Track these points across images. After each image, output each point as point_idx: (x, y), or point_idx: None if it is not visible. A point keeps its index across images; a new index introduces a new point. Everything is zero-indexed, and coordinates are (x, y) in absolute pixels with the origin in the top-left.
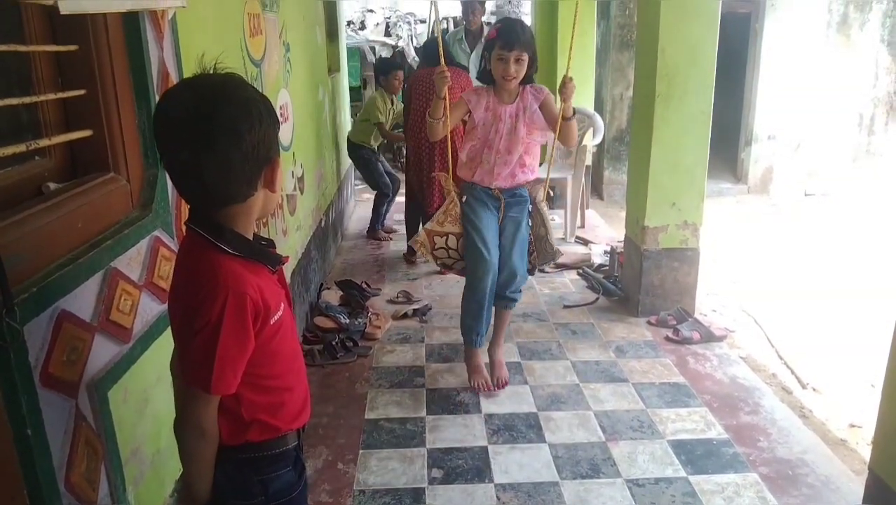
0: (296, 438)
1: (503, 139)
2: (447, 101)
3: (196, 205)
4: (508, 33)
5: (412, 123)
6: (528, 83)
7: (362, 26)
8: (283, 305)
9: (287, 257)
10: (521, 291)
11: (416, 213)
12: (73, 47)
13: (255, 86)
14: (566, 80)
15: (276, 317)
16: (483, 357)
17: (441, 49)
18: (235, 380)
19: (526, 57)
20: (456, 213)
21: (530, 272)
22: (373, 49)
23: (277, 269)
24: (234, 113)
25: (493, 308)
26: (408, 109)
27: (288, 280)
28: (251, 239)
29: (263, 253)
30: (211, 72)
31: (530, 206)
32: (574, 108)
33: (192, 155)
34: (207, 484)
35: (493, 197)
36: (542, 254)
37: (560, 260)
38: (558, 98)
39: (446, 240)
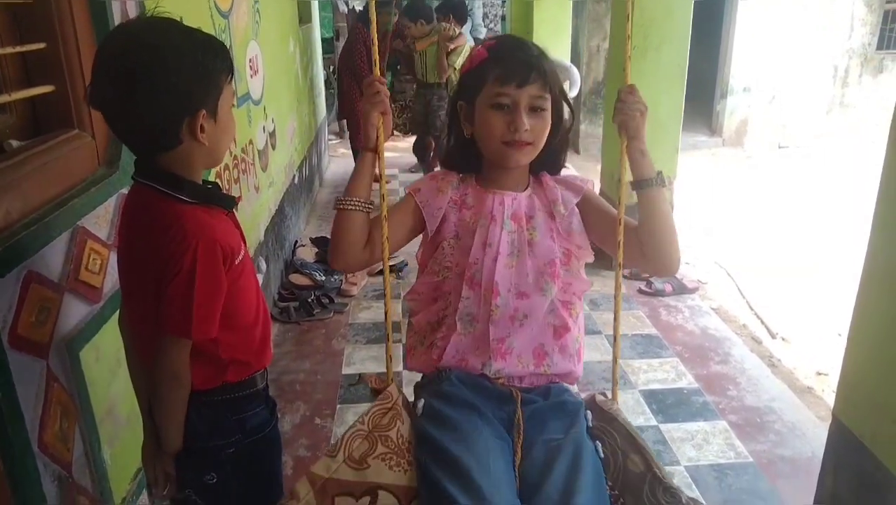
0: (264, 378)
1: (502, 263)
2: (381, 153)
3: (128, 147)
4: (514, 53)
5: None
6: (549, 167)
7: None
8: (242, 244)
9: (240, 197)
10: None
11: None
12: None
13: (221, 38)
14: (624, 94)
15: (239, 257)
16: None
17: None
18: (214, 323)
19: (548, 103)
20: (400, 437)
21: None
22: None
23: (231, 210)
24: (147, 58)
25: None
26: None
27: (262, 237)
28: (200, 185)
29: (219, 196)
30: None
31: (590, 417)
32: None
33: (108, 96)
34: (180, 432)
35: (497, 395)
36: None
37: None
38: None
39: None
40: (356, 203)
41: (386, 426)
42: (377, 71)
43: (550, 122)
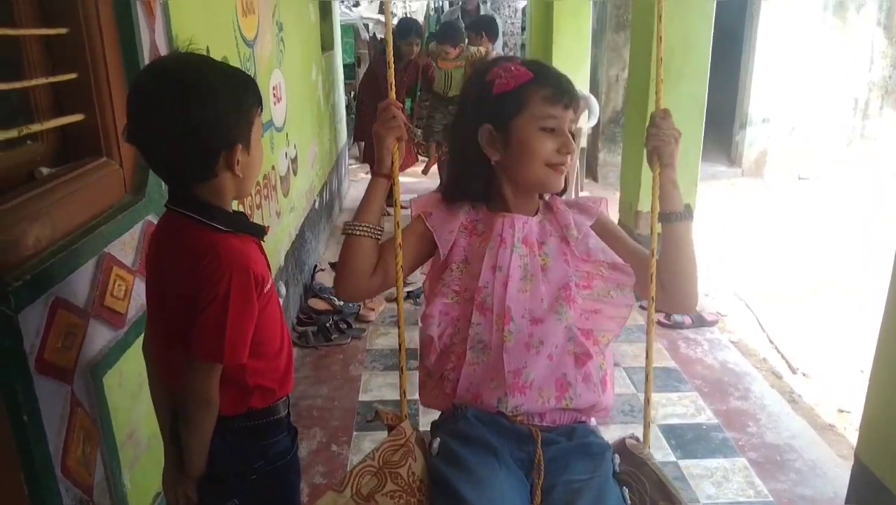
0: (286, 406)
1: (513, 287)
2: (396, 180)
3: (163, 179)
4: (557, 74)
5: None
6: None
7: (356, 3)
8: (269, 273)
9: (269, 226)
10: None
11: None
12: (63, 30)
13: (245, 67)
14: (658, 119)
15: (267, 285)
16: None
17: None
18: (245, 349)
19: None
20: (412, 476)
21: None
22: (366, 26)
23: (262, 239)
24: (186, 95)
25: None
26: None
27: (282, 262)
28: (232, 213)
29: (250, 225)
30: (181, 51)
31: (617, 462)
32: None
33: (146, 133)
34: (205, 456)
35: (516, 435)
36: None
37: None
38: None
39: None
40: (365, 229)
41: (397, 463)
42: (393, 95)
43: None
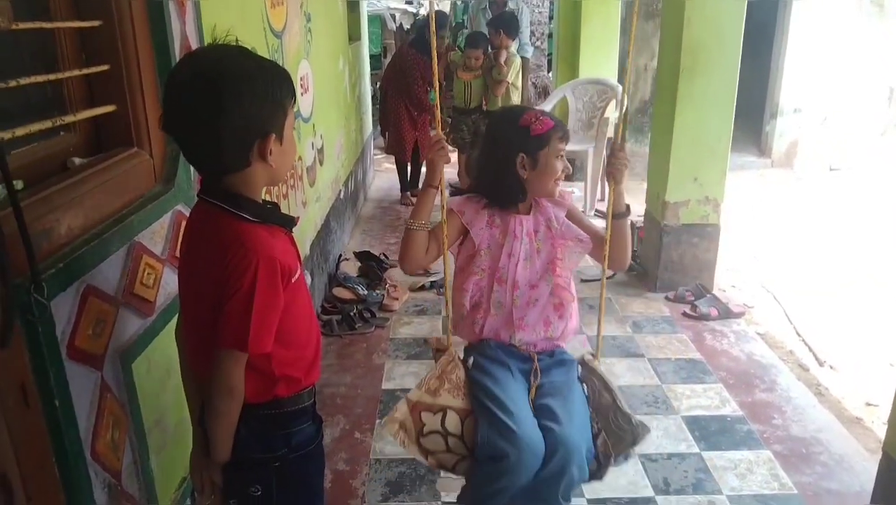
0: (312, 395)
1: (521, 266)
2: (442, 188)
3: (198, 170)
4: (563, 124)
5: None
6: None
7: None
8: (298, 264)
9: (298, 217)
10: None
11: (401, 168)
12: (96, 23)
13: (274, 58)
14: (616, 150)
15: (296, 276)
16: None
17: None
18: (270, 338)
19: None
20: (458, 379)
21: (600, 471)
22: (393, 16)
23: (291, 230)
24: (223, 85)
25: None
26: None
27: (307, 251)
28: (262, 204)
29: (279, 216)
30: (218, 43)
31: (579, 370)
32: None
33: (183, 123)
34: (230, 443)
35: (520, 356)
36: (613, 435)
37: None
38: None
39: (442, 419)
40: (421, 226)
41: (449, 372)
42: (439, 129)
43: None
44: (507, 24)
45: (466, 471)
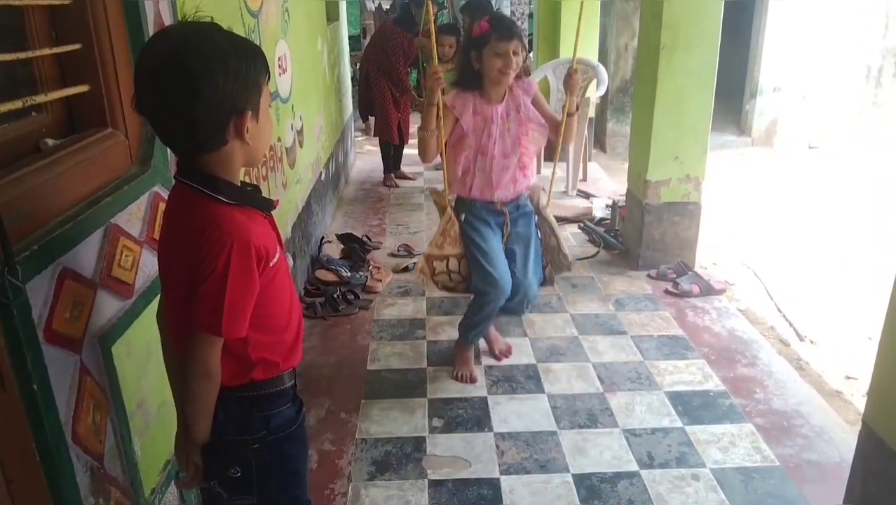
0: (293, 377)
1: (497, 143)
2: (440, 106)
3: (173, 150)
4: (504, 24)
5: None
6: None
7: None
8: (278, 247)
9: (277, 200)
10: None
11: (385, 149)
12: (66, 1)
13: (250, 38)
14: (571, 73)
15: (274, 260)
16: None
17: (432, 30)
18: (244, 323)
19: (521, 49)
20: (455, 233)
21: (543, 284)
22: None
23: (269, 213)
24: (196, 62)
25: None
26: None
27: (289, 234)
28: (239, 186)
29: (256, 199)
30: (189, 20)
31: (536, 217)
32: (578, 67)
33: (156, 102)
34: (208, 425)
35: (496, 212)
36: (556, 264)
37: (561, 213)
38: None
39: (447, 263)
40: (431, 132)
41: (449, 229)
42: (435, 62)
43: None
44: (477, 8)
45: (466, 289)
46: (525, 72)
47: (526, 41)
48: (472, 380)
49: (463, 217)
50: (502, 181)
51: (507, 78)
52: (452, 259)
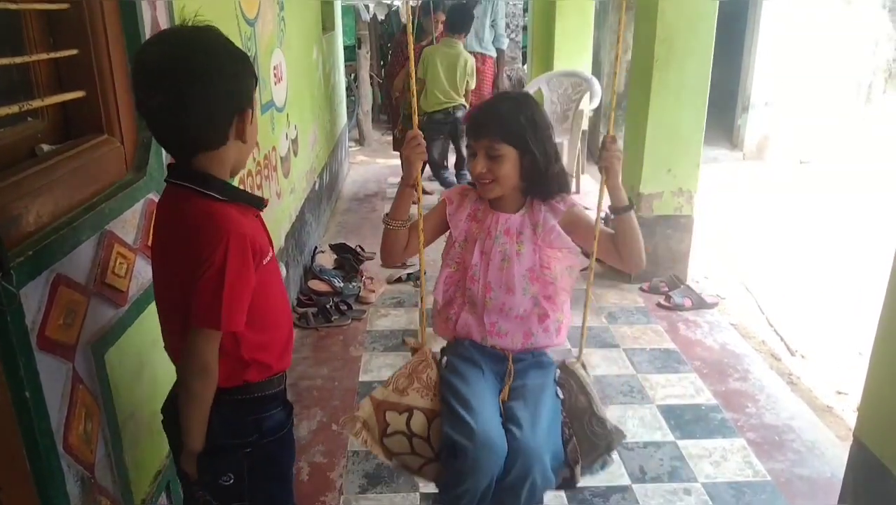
0: (283, 381)
1: (494, 266)
2: (419, 185)
3: (171, 151)
4: (476, 113)
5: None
6: (538, 195)
7: None
8: (269, 247)
9: (268, 199)
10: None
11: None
12: (64, 6)
13: (247, 46)
14: (607, 142)
15: (267, 258)
16: None
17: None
18: (242, 315)
19: (507, 150)
20: (429, 378)
21: (569, 480)
22: (367, 7)
23: (261, 211)
24: (203, 60)
25: None
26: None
27: (282, 243)
28: (231, 184)
29: (248, 196)
30: (189, 24)
31: (558, 373)
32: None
33: (164, 99)
34: (204, 428)
35: (495, 356)
36: (587, 441)
37: None
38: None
39: (408, 419)
40: (399, 224)
41: (420, 371)
42: (416, 127)
43: (516, 163)
44: (455, 19)
45: (434, 476)
46: (519, 84)
47: (520, 53)
48: None
49: (445, 361)
50: (502, 328)
51: (483, 189)
52: (418, 414)
